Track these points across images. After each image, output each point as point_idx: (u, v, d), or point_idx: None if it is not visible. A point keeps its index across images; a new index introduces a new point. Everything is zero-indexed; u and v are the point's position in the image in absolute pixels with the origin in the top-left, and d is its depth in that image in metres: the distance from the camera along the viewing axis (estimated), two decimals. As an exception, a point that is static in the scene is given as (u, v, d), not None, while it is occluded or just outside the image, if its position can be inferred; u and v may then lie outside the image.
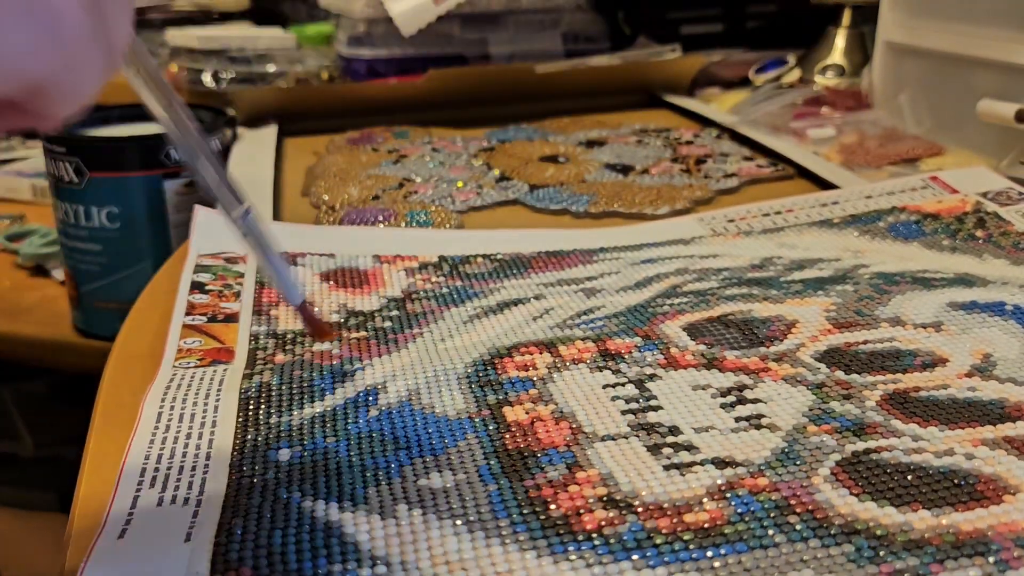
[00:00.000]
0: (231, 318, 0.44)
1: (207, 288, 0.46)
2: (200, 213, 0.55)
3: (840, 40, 0.93)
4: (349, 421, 0.34)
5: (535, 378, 0.37)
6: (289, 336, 0.42)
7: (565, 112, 0.89)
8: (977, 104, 0.66)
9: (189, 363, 0.39)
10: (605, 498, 0.29)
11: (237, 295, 0.46)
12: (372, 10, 0.96)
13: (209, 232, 0.53)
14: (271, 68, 1.03)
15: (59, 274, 0.82)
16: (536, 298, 0.46)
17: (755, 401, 0.35)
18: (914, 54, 0.76)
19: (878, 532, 0.27)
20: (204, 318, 0.44)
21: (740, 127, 0.79)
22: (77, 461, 0.34)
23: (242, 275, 0.48)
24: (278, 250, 0.33)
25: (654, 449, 0.32)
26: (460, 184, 0.67)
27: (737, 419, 0.34)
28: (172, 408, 0.35)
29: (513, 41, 0.99)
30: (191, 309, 0.44)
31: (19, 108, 0.23)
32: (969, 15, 0.70)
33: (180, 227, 0.68)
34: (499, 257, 0.51)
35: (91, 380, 0.42)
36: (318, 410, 0.35)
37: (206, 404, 0.36)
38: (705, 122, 0.85)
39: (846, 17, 0.93)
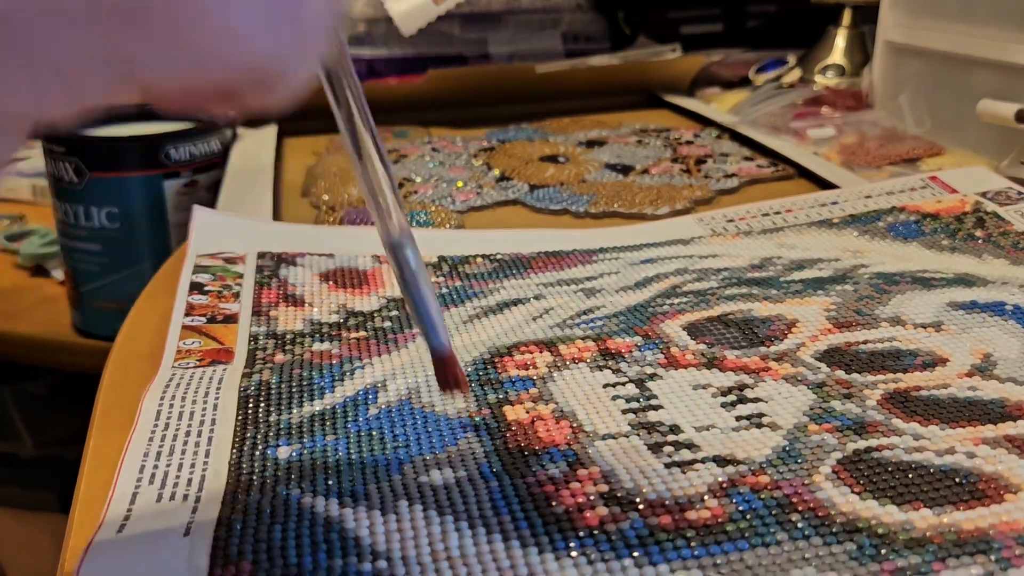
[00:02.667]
0: (230, 319, 0.44)
1: (206, 289, 0.46)
2: (199, 213, 0.55)
3: (840, 40, 0.93)
4: (349, 419, 0.34)
5: (535, 377, 0.37)
6: (288, 336, 0.42)
7: (565, 112, 0.89)
8: (977, 104, 0.66)
9: (188, 363, 0.39)
10: (606, 495, 0.29)
11: (236, 296, 0.46)
12: (372, 10, 0.95)
13: (208, 232, 0.53)
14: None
15: (59, 274, 0.82)
16: (536, 298, 0.46)
17: (756, 400, 0.35)
18: (914, 54, 0.76)
19: (880, 530, 0.27)
20: (203, 319, 0.44)
21: (740, 127, 0.79)
22: (77, 461, 0.34)
23: (241, 275, 0.48)
24: (432, 291, 0.31)
25: (655, 447, 0.32)
26: (460, 184, 0.67)
27: (738, 418, 0.34)
28: (171, 406, 0.35)
29: (513, 41, 0.99)
30: (190, 310, 0.44)
31: (232, 97, 0.21)
32: (969, 15, 0.70)
33: (180, 227, 0.68)
34: (499, 257, 0.51)
35: (91, 380, 0.42)
36: (318, 408, 0.35)
37: (205, 402, 0.36)
38: (705, 122, 0.85)
39: (846, 17, 0.93)
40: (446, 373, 0.32)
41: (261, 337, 0.42)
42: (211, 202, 0.64)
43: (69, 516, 0.31)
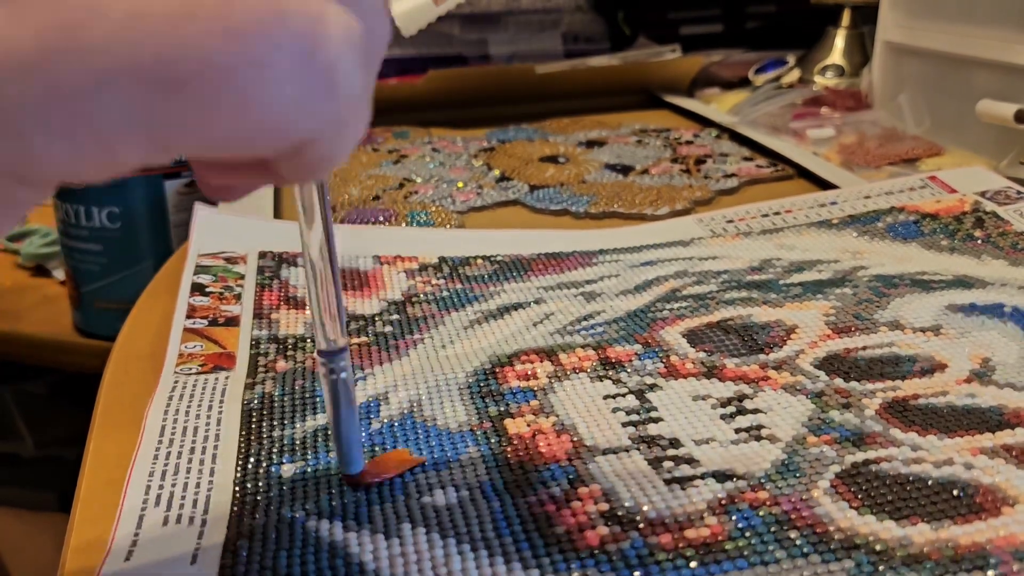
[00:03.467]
0: (232, 321, 0.44)
1: (207, 290, 0.46)
2: (200, 211, 0.55)
3: (840, 40, 0.93)
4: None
5: (536, 388, 0.37)
6: (290, 341, 0.42)
7: (565, 112, 0.89)
8: (976, 104, 0.66)
9: (191, 369, 0.39)
10: (607, 513, 0.29)
11: (238, 297, 0.46)
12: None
13: (209, 231, 0.53)
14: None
15: (59, 274, 0.82)
16: (536, 302, 0.46)
17: (755, 411, 0.35)
18: (914, 54, 0.76)
19: (877, 547, 0.27)
20: (205, 321, 0.44)
21: (740, 127, 0.79)
22: (77, 461, 0.35)
23: (242, 276, 0.48)
24: (355, 409, 0.31)
25: (655, 463, 0.32)
26: (460, 184, 0.67)
27: (737, 430, 0.34)
28: (175, 421, 0.35)
29: (513, 41, 0.99)
30: (192, 312, 0.44)
31: (269, 169, 0.21)
32: (969, 15, 0.70)
33: (180, 227, 0.68)
34: (499, 259, 0.51)
35: (91, 380, 0.43)
36: (320, 422, 0.35)
37: (208, 416, 0.36)
38: (705, 122, 0.85)
39: (846, 17, 0.93)
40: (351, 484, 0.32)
41: (263, 341, 0.42)
42: (212, 202, 0.64)
43: (70, 516, 0.31)
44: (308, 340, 0.42)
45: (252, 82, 0.18)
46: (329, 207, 0.27)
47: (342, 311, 0.29)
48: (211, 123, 0.18)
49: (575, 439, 0.33)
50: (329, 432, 0.33)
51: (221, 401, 0.37)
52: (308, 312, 0.30)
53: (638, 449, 0.33)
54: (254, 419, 0.35)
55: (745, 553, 0.27)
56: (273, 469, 0.32)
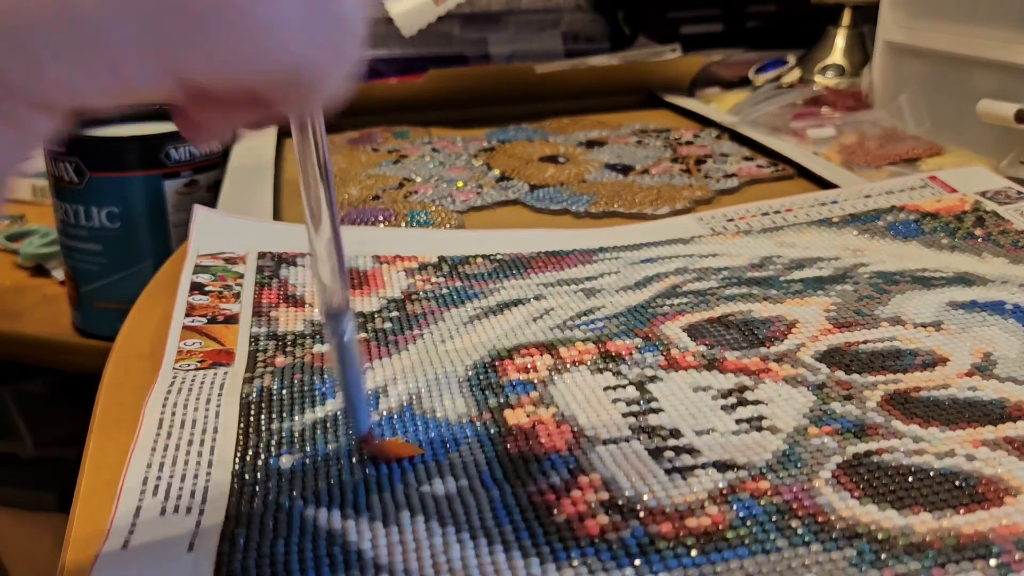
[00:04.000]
0: (231, 319, 0.44)
1: (207, 289, 0.46)
2: (199, 213, 0.55)
3: (840, 40, 0.93)
4: (351, 426, 0.34)
5: (536, 380, 0.37)
6: (289, 338, 0.42)
7: (565, 112, 0.89)
8: (977, 104, 0.66)
9: (189, 365, 0.39)
10: (607, 503, 0.29)
11: (237, 296, 0.46)
12: (372, 10, 0.95)
13: (209, 232, 0.53)
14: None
15: (59, 274, 0.82)
16: (536, 298, 0.46)
17: (756, 403, 0.35)
18: (914, 54, 0.76)
19: (879, 536, 0.27)
20: (204, 319, 0.44)
21: (740, 127, 0.79)
22: (77, 461, 0.34)
23: (241, 276, 0.48)
24: (361, 371, 0.32)
25: (655, 452, 0.32)
26: (460, 184, 0.67)
27: (738, 421, 0.34)
28: (173, 414, 0.35)
29: (513, 41, 0.99)
30: (191, 310, 0.44)
31: (260, 100, 0.21)
32: (969, 15, 0.70)
33: (180, 227, 0.68)
34: (499, 257, 0.51)
35: (91, 380, 0.42)
36: (319, 415, 0.35)
37: (207, 410, 0.35)
38: (705, 122, 0.85)
39: (846, 17, 0.93)
40: (365, 450, 0.32)
41: (262, 338, 0.42)
42: (211, 202, 0.64)
43: (69, 516, 0.31)
44: (307, 337, 0.42)
45: (259, 4, 0.19)
46: (330, 163, 0.28)
47: (344, 274, 0.30)
48: (217, 45, 0.19)
49: (575, 429, 0.33)
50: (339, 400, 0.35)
51: (219, 395, 0.37)
52: (312, 276, 0.30)
53: (638, 439, 0.32)
54: (252, 412, 0.35)
55: (746, 542, 0.27)
56: (272, 461, 0.32)
